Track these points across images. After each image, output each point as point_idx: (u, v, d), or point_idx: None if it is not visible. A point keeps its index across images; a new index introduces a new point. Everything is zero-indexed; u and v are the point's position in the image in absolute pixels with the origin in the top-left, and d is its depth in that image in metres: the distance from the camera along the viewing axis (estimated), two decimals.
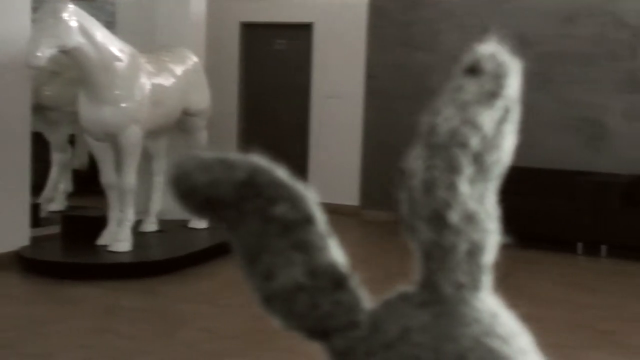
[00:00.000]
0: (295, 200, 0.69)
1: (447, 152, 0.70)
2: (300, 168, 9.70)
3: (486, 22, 8.13)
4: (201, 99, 7.14)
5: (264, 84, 9.80)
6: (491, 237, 0.72)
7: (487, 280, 0.72)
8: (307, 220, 0.69)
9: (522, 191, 7.31)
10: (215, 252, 6.47)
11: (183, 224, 7.23)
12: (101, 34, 6.03)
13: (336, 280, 0.70)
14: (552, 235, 7.09)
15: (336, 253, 0.71)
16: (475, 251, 0.71)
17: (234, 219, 0.69)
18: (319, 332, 0.71)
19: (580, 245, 7.04)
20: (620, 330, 4.75)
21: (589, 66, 7.57)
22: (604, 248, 6.95)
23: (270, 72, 9.74)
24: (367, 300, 0.72)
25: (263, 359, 4.15)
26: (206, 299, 5.31)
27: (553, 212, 7.09)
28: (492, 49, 0.75)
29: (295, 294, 0.69)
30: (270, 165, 0.69)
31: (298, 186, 0.70)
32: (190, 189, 0.68)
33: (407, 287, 0.73)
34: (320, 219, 0.71)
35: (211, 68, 8.17)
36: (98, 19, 6.30)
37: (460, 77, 0.74)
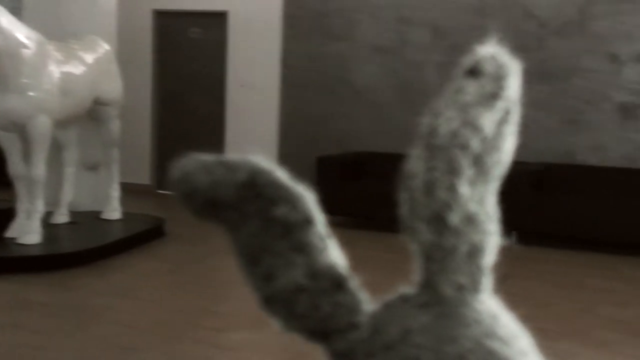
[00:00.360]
0: (295, 202, 0.69)
1: (447, 154, 0.70)
2: None
3: (401, 13, 8.22)
4: (113, 87, 6.97)
5: (178, 73, 9.65)
6: (491, 239, 0.73)
7: (487, 281, 0.73)
8: (307, 221, 0.69)
9: None
10: (129, 244, 6.35)
11: (95, 216, 7.07)
12: (6, 20, 5.82)
13: (336, 282, 0.70)
14: None
15: (336, 255, 0.71)
16: (475, 253, 0.71)
17: (235, 220, 0.68)
18: (320, 333, 0.71)
19: None
20: (532, 316, 4.88)
21: None
22: (514, 235, 7.13)
23: (185, 61, 9.59)
24: (368, 302, 0.72)
25: (178, 352, 4.09)
26: (120, 292, 5.20)
27: None
28: (492, 51, 0.75)
29: (295, 295, 0.69)
30: (270, 167, 0.69)
31: (298, 188, 0.70)
32: (192, 191, 0.67)
33: (407, 288, 0.73)
34: (320, 220, 0.70)
35: (123, 56, 7.99)
36: (3, 4, 6.07)
37: (461, 78, 0.74)
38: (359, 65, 8.50)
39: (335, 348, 0.72)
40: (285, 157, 8.91)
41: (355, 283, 0.72)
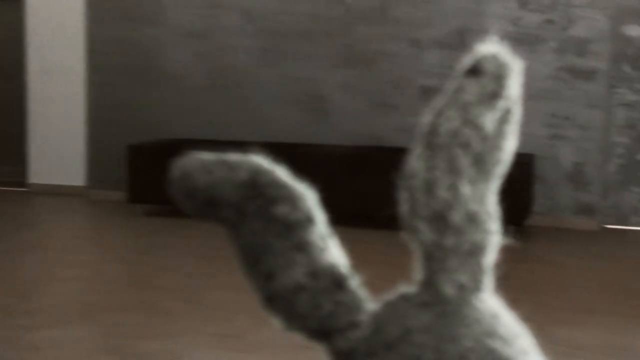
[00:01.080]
0: (296, 201, 0.68)
1: (448, 153, 0.70)
2: (18, 149, 9.11)
3: None
4: None
5: None
6: (492, 238, 0.72)
7: (488, 280, 0.72)
8: (308, 220, 0.68)
9: None
10: None
11: None
12: None
13: (337, 281, 0.70)
14: None
15: (336, 254, 0.70)
16: (476, 252, 0.71)
17: (235, 220, 0.68)
18: (321, 332, 0.71)
19: None
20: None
21: (309, 42, 7.88)
22: (329, 217, 7.29)
23: None
24: (369, 301, 0.71)
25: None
26: None
27: None
28: (493, 50, 0.74)
29: (296, 294, 0.69)
30: (271, 166, 0.68)
31: (299, 187, 0.69)
32: (192, 190, 0.67)
33: (408, 287, 0.72)
34: (321, 219, 0.70)
35: None
36: None
37: (462, 77, 0.73)
38: (169, 50, 8.34)
39: (336, 347, 0.71)
40: (95, 145, 8.59)
41: (356, 282, 0.72)
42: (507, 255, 5.85)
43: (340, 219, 7.23)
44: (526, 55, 7.35)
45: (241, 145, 7.70)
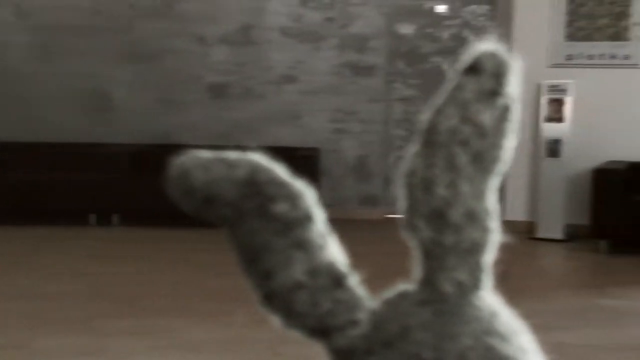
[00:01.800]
0: (295, 199, 0.68)
1: (447, 151, 0.69)
2: None
3: None
4: None
5: None
6: (491, 236, 0.71)
7: (487, 278, 0.72)
8: (307, 218, 0.68)
9: (28, 166, 7.09)
10: None
11: None
12: None
13: (336, 279, 0.69)
14: (65, 209, 7.01)
15: (336, 251, 0.70)
16: (475, 250, 0.70)
17: (234, 218, 0.67)
18: (319, 331, 0.70)
19: (93, 217, 7.09)
20: (140, 295, 4.92)
21: (90, 38, 7.60)
22: (116, 217, 7.11)
23: None
24: (368, 299, 0.71)
25: None
26: None
27: (65, 186, 7.00)
28: (491, 47, 0.72)
29: (295, 292, 0.68)
30: (270, 163, 0.68)
31: (298, 184, 0.68)
32: (190, 188, 0.66)
33: (407, 285, 0.72)
34: (320, 217, 0.69)
35: None
36: None
37: (460, 75, 0.72)
38: None
39: (335, 345, 0.71)
40: None
41: (355, 280, 0.71)
42: None
43: (125, 219, 7.06)
44: (308, 52, 7.56)
45: (18, 147, 7.29)
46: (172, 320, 4.40)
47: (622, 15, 6.72)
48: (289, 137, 7.49)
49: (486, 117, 0.72)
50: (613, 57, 6.76)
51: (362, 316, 0.72)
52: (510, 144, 0.73)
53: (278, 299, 0.71)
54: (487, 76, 0.72)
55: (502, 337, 0.70)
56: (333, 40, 7.53)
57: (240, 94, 7.68)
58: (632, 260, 5.98)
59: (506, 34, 7.01)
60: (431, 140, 0.72)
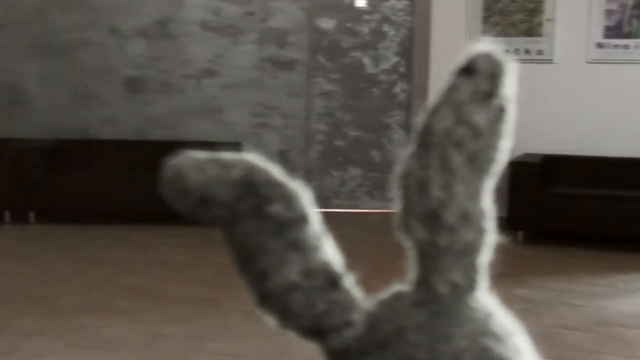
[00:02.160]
0: (290, 200, 0.68)
1: (442, 152, 0.69)
2: None
3: None
4: None
5: None
6: (487, 237, 0.71)
7: (482, 279, 0.71)
8: (302, 219, 0.68)
9: None
10: None
11: None
12: None
13: (331, 280, 0.69)
14: None
15: (331, 252, 0.70)
16: (470, 251, 0.70)
17: (229, 219, 0.67)
18: (315, 331, 0.70)
19: (7, 214, 6.88)
20: (55, 294, 4.80)
21: (1, 31, 7.35)
22: (31, 214, 6.91)
23: None
24: (363, 300, 0.71)
25: None
26: None
27: None
28: (487, 49, 0.72)
29: (290, 293, 0.68)
30: (265, 164, 0.68)
31: (293, 185, 0.68)
32: (185, 189, 0.66)
33: (402, 286, 0.72)
34: (315, 218, 0.69)
35: None
36: None
37: (455, 76, 0.71)
38: None
39: (330, 346, 0.70)
40: None
41: (350, 281, 0.71)
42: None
43: (41, 216, 6.87)
44: (228, 46, 7.49)
45: None
46: (87, 319, 4.31)
47: (535, 11, 6.90)
48: (210, 132, 7.42)
49: (481, 118, 0.71)
50: (527, 52, 6.93)
51: (357, 317, 0.72)
52: (506, 145, 0.74)
53: (273, 300, 0.71)
54: (482, 77, 0.72)
55: (497, 338, 0.69)
56: (253, 34, 7.49)
57: (159, 88, 7.56)
58: (547, 251, 6.16)
59: (424, 29, 7.11)
60: (426, 141, 0.72)
